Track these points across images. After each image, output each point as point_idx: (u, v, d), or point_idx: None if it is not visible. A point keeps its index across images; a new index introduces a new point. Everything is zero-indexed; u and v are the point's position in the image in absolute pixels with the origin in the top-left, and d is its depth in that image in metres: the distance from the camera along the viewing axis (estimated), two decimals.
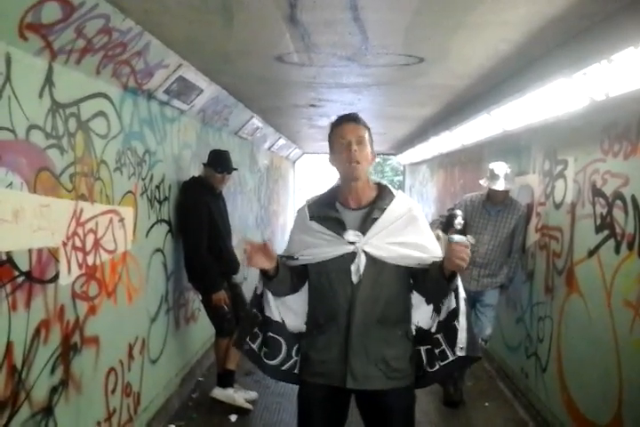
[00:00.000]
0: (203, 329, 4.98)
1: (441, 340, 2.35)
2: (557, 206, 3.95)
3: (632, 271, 2.89)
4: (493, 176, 4.33)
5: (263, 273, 2.30)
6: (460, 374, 4.56)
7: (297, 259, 2.35)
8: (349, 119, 2.30)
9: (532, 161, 4.58)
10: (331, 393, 2.32)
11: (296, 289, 2.44)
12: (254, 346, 2.44)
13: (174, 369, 4.36)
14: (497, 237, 4.33)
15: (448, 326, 2.32)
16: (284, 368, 2.45)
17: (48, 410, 2.56)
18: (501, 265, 4.39)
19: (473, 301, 4.44)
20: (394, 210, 2.27)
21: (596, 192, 3.33)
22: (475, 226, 4.34)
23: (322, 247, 2.27)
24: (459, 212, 4.29)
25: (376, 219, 2.25)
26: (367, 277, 2.24)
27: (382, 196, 2.32)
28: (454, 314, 2.30)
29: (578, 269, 3.57)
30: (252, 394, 4.49)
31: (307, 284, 2.43)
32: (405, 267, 2.29)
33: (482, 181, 4.46)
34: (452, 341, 2.31)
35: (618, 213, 3.06)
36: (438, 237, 4.02)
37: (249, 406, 4.30)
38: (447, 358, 2.33)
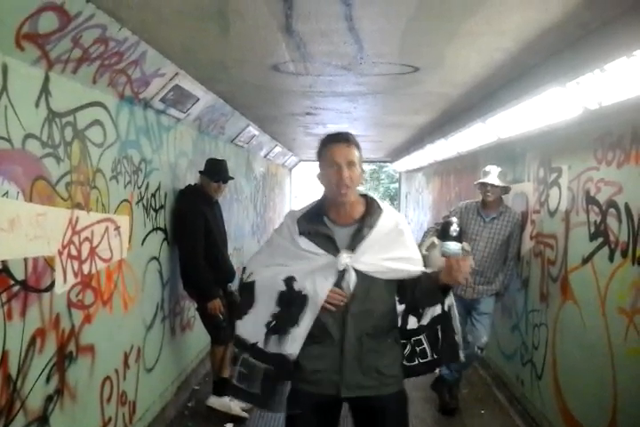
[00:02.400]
0: (198, 337, 4.97)
1: (423, 341, 2.43)
2: (552, 214, 3.97)
3: (626, 279, 2.91)
4: (485, 173, 4.38)
5: None
6: (456, 381, 4.56)
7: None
8: (340, 140, 2.27)
9: (526, 169, 4.60)
10: (322, 401, 2.32)
11: None
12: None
13: (170, 378, 4.35)
14: (492, 244, 4.34)
15: (431, 329, 2.41)
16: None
17: (43, 419, 2.55)
18: (496, 272, 4.40)
19: (469, 308, 4.45)
20: (382, 226, 2.28)
21: (590, 200, 3.34)
22: (470, 233, 4.35)
23: (310, 262, 2.26)
24: (454, 219, 4.24)
25: (364, 237, 2.25)
26: (359, 293, 2.25)
27: (370, 211, 2.31)
28: (438, 320, 2.39)
29: (572, 276, 3.58)
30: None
31: None
32: (395, 280, 2.33)
33: (475, 182, 4.49)
34: (433, 343, 2.41)
35: (612, 221, 3.07)
36: (434, 245, 4.02)
37: (245, 414, 4.29)
38: (426, 357, 2.43)
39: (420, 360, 2.45)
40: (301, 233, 2.29)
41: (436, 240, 4.20)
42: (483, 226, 4.37)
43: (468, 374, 4.76)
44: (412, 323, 2.46)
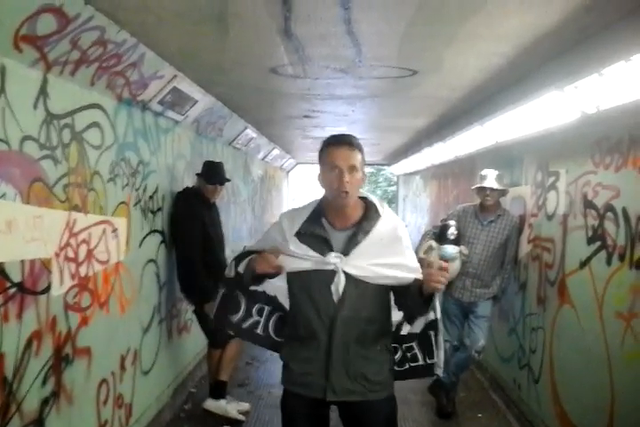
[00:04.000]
0: (195, 340, 4.96)
1: (415, 347, 2.46)
2: (549, 218, 3.97)
3: (623, 283, 2.91)
4: (482, 177, 4.38)
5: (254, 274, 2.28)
6: (453, 385, 4.56)
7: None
8: (344, 143, 2.23)
9: (524, 173, 4.60)
10: (312, 404, 2.34)
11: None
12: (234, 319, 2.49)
13: (166, 380, 4.34)
14: (489, 247, 4.34)
15: (423, 335, 2.43)
16: (245, 326, 2.49)
17: (39, 422, 2.54)
18: (494, 276, 4.40)
19: (466, 312, 4.45)
20: (378, 232, 2.26)
21: (588, 204, 3.35)
22: (467, 236, 4.35)
23: (301, 259, 2.25)
24: (452, 222, 4.30)
25: (359, 242, 2.24)
26: (349, 297, 2.24)
27: (368, 216, 2.29)
28: (432, 326, 2.40)
29: (570, 280, 3.58)
30: (245, 405, 4.46)
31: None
32: (387, 286, 2.31)
33: (473, 187, 4.50)
34: (425, 349, 2.44)
35: (609, 225, 3.08)
36: (431, 248, 4.03)
37: (241, 417, 4.28)
38: (417, 361, 2.46)
39: (411, 364, 2.47)
40: (296, 234, 2.27)
41: (433, 244, 4.21)
42: (480, 229, 4.37)
43: (465, 377, 4.75)
44: (406, 329, 2.47)
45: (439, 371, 2.42)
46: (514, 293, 4.62)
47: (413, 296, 2.23)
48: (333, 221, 2.29)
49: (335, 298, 2.24)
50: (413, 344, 2.46)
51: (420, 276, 2.26)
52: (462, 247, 4.20)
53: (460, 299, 4.39)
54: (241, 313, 2.49)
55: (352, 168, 2.19)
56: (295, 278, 2.32)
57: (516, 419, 4.37)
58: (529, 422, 4.13)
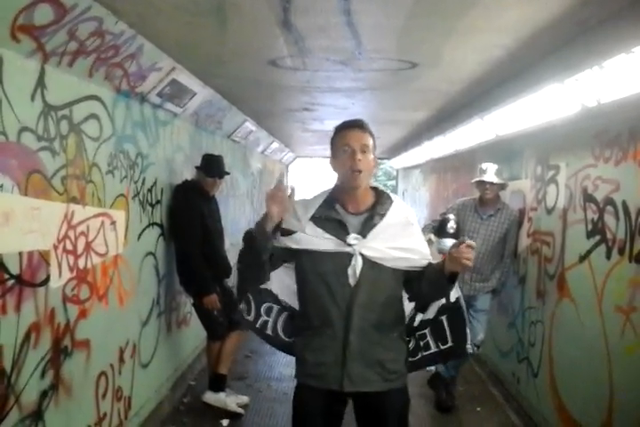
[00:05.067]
0: (194, 333, 4.96)
1: (427, 334, 2.46)
2: (549, 211, 3.97)
3: (623, 276, 2.90)
4: (482, 171, 4.37)
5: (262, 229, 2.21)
6: (453, 378, 4.57)
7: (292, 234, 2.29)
8: (355, 126, 2.28)
9: (524, 166, 4.59)
10: (327, 398, 2.31)
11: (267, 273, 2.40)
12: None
13: (165, 373, 4.34)
14: (489, 241, 4.34)
15: (435, 321, 2.44)
16: (257, 326, 2.51)
17: (37, 414, 2.54)
18: (493, 270, 4.40)
19: (465, 305, 4.44)
20: (392, 216, 2.29)
21: (588, 198, 3.34)
22: (467, 230, 4.34)
23: (319, 242, 2.25)
24: (451, 216, 4.29)
25: (375, 224, 2.26)
26: (365, 281, 2.24)
27: (381, 201, 2.33)
28: (444, 311, 2.42)
29: (569, 274, 3.58)
30: (244, 398, 4.47)
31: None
32: (401, 271, 2.31)
33: (472, 181, 4.49)
34: (437, 334, 2.44)
35: (609, 219, 3.07)
36: (430, 242, 4.03)
37: (240, 410, 4.29)
38: (430, 348, 2.46)
39: (424, 353, 2.47)
40: (311, 218, 2.28)
41: (432, 237, 4.21)
42: (480, 223, 4.36)
43: (464, 371, 4.75)
44: (418, 318, 2.48)
45: (470, 349, 2.46)
46: (513, 286, 4.62)
47: (432, 279, 2.26)
48: (347, 206, 2.32)
49: (352, 282, 2.23)
50: (426, 332, 2.47)
51: (431, 260, 2.33)
52: (464, 238, 4.18)
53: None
54: (253, 312, 2.50)
55: (364, 148, 2.24)
56: (308, 262, 2.29)
57: (515, 412, 4.38)
58: (528, 416, 4.14)
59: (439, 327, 2.45)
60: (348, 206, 2.32)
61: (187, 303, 4.72)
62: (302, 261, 2.32)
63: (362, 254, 2.23)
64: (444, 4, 2.54)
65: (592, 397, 3.19)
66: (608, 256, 3.06)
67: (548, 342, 3.86)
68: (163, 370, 4.28)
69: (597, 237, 3.20)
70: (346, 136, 2.26)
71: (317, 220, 2.27)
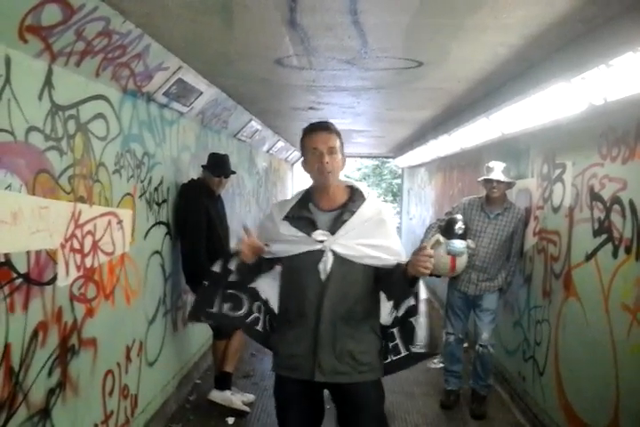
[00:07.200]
0: (200, 331, 4.97)
1: (395, 334, 2.48)
2: (555, 210, 3.96)
3: (630, 275, 2.90)
4: (489, 169, 4.36)
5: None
6: (488, 388, 4.52)
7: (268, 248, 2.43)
8: (322, 128, 2.40)
9: (530, 165, 4.58)
10: (303, 387, 2.43)
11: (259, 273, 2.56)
12: (213, 309, 2.52)
13: (172, 371, 4.36)
14: (496, 240, 4.32)
15: (404, 322, 2.44)
16: (248, 321, 2.57)
17: (45, 412, 2.56)
18: (499, 269, 4.38)
19: (472, 305, 4.44)
20: (364, 213, 2.39)
21: (594, 196, 3.33)
22: (474, 229, 4.33)
23: (290, 244, 2.38)
24: (459, 216, 4.27)
25: (346, 220, 2.36)
26: (336, 276, 2.35)
27: (354, 199, 2.43)
28: (412, 311, 2.41)
29: (575, 272, 3.58)
30: (250, 396, 4.48)
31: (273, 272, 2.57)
32: (372, 268, 2.40)
33: (479, 179, 4.47)
34: (407, 337, 2.44)
35: (616, 218, 3.06)
36: (439, 243, 3.99)
37: (246, 408, 4.30)
38: (400, 353, 2.47)
39: (393, 358, 2.49)
40: (285, 218, 2.41)
41: (441, 238, 4.18)
42: (487, 222, 4.35)
43: (468, 369, 4.74)
44: (388, 319, 2.51)
45: (422, 349, 2.42)
46: (519, 285, 4.62)
47: (396, 280, 2.33)
48: (320, 204, 2.44)
49: (323, 276, 2.35)
50: (394, 331, 2.49)
51: (402, 259, 2.37)
52: (469, 241, 4.17)
53: (466, 292, 4.38)
54: (244, 309, 2.56)
55: (331, 150, 2.36)
56: (287, 263, 2.46)
57: (521, 411, 4.38)
58: (533, 415, 4.14)
59: (407, 328, 2.44)
60: (321, 204, 2.44)
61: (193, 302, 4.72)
62: (282, 260, 2.48)
63: (332, 251, 2.33)
64: (451, 2, 2.55)
65: (598, 396, 3.19)
66: (615, 255, 3.06)
67: (554, 340, 3.85)
68: (169, 368, 4.29)
69: (604, 236, 3.19)
70: (313, 139, 2.38)
71: (291, 219, 2.41)
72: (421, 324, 2.39)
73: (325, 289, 2.34)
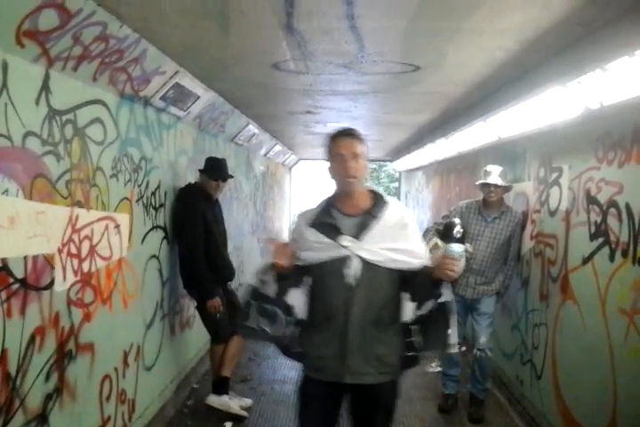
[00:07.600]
0: (198, 336, 4.96)
1: (413, 331, 2.52)
2: (552, 214, 3.97)
3: (626, 279, 2.90)
4: (486, 173, 4.36)
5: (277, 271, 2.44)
6: (485, 392, 4.52)
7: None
8: (346, 134, 2.44)
9: (527, 168, 4.59)
10: (327, 388, 2.48)
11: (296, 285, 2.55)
12: (255, 326, 2.54)
13: (169, 376, 4.35)
14: (493, 244, 4.33)
15: (424, 322, 2.49)
16: (283, 335, 2.58)
17: (42, 417, 2.55)
18: (497, 272, 4.38)
19: (469, 309, 4.44)
20: (387, 218, 2.42)
21: (591, 200, 3.34)
22: (471, 233, 4.33)
23: (318, 251, 2.41)
24: (457, 220, 4.24)
25: (370, 226, 2.39)
26: (363, 281, 2.38)
27: (377, 204, 2.46)
28: (440, 309, 2.46)
29: (572, 276, 3.58)
30: (247, 401, 4.47)
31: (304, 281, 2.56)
32: (397, 271, 2.43)
33: (477, 183, 4.47)
34: (429, 334, 2.50)
35: (612, 221, 3.07)
36: (437, 246, 3.99)
37: (244, 413, 4.29)
38: (413, 349, 2.53)
39: (407, 353, 2.54)
40: (311, 225, 2.44)
41: (439, 242, 4.17)
42: (484, 226, 4.35)
43: (467, 373, 4.74)
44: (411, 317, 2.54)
45: (455, 349, 2.51)
46: (516, 289, 4.62)
47: (422, 282, 2.40)
48: (343, 209, 2.47)
49: (351, 282, 2.38)
50: (413, 328, 2.51)
51: (426, 262, 2.45)
52: (467, 245, 4.17)
53: (464, 296, 4.37)
54: (280, 323, 2.56)
55: (355, 155, 2.39)
56: (315, 270, 2.46)
57: (519, 415, 4.38)
58: (531, 418, 4.13)
59: (425, 328, 2.50)
60: (345, 210, 2.47)
61: (190, 306, 4.72)
62: (311, 268, 2.48)
63: (359, 256, 2.36)
64: (447, 6, 2.55)
65: (596, 399, 3.19)
66: (611, 258, 3.06)
67: (552, 344, 3.85)
68: (166, 373, 4.29)
69: (601, 240, 3.20)
70: (338, 144, 2.42)
71: (317, 225, 2.44)
72: (453, 322, 2.46)
73: (353, 295, 2.38)
